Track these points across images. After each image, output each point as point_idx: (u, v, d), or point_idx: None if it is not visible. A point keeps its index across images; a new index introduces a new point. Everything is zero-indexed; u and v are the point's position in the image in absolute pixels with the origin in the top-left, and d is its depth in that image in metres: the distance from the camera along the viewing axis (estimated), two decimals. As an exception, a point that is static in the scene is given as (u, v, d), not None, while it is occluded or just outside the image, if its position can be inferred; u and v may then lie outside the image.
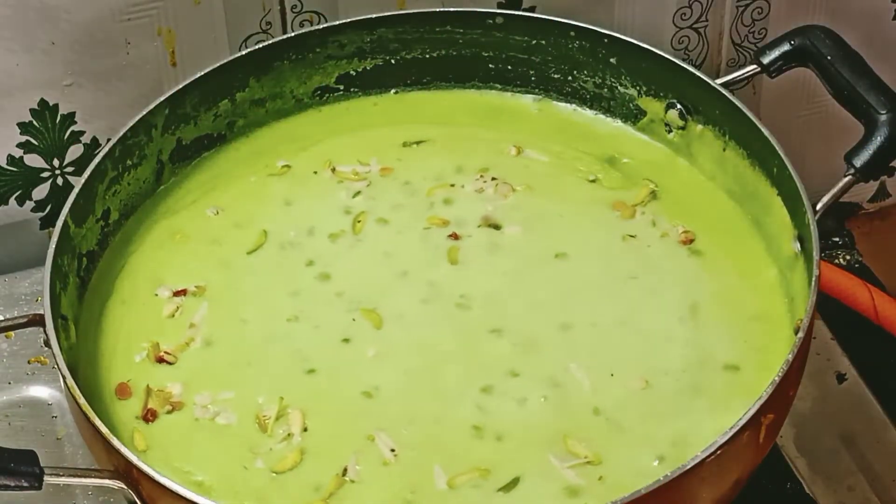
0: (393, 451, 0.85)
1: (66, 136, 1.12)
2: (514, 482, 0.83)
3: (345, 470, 0.85)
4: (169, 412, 0.89)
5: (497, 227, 0.99)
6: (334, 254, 0.97)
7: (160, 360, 0.91)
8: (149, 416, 0.88)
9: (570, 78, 1.06)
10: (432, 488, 0.83)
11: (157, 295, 0.95)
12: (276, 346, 0.92)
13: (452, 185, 1.02)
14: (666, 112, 1.02)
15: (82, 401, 0.83)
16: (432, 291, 0.95)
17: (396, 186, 1.02)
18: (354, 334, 0.92)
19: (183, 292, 0.95)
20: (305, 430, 0.87)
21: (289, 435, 0.87)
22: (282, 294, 0.95)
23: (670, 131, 1.03)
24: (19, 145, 1.11)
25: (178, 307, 0.94)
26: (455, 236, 0.98)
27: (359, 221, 0.99)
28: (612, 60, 1.03)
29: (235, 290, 0.96)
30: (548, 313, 0.93)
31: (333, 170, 1.03)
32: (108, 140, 0.98)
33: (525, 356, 0.90)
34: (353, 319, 0.93)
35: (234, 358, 0.91)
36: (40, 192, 1.14)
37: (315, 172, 1.03)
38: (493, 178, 1.02)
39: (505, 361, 0.90)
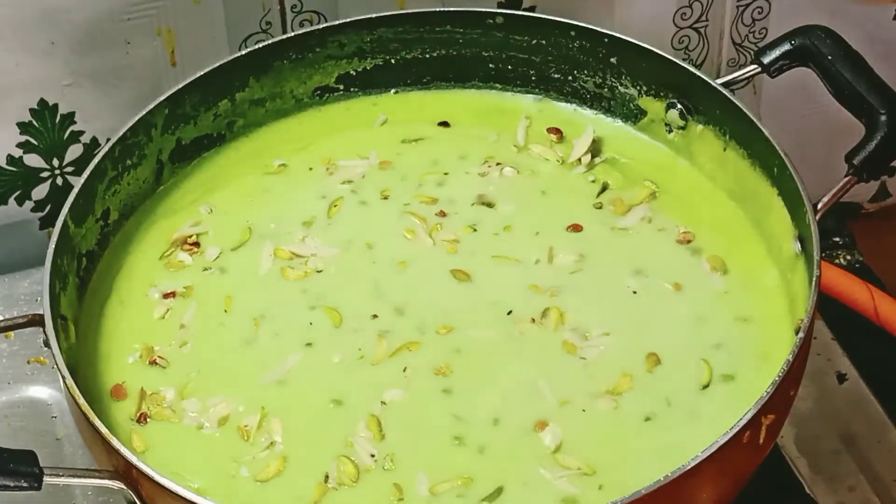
0: (373, 456, 0.85)
1: (65, 136, 1.12)
2: (498, 492, 0.83)
3: (326, 476, 0.85)
4: (161, 417, 0.88)
5: (490, 205, 0.99)
6: (308, 242, 0.98)
7: (153, 363, 0.91)
8: (142, 419, 0.88)
9: (570, 78, 1.06)
10: (415, 494, 0.83)
11: (148, 296, 0.95)
12: (247, 352, 0.92)
13: (446, 174, 1.02)
14: (666, 112, 1.02)
15: (82, 401, 0.83)
16: (394, 281, 0.95)
17: (392, 176, 1.02)
18: (316, 338, 0.92)
19: (172, 294, 0.95)
20: (285, 437, 0.87)
21: (271, 443, 0.87)
22: (254, 292, 0.95)
23: (671, 131, 1.03)
24: (19, 145, 1.11)
25: (168, 309, 0.94)
26: (442, 214, 0.98)
27: (334, 206, 1.00)
28: (612, 60, 1.03)
29: (218, 290, 0.95)
30: (529, 306, 0.93)
31: (329, 166, 1.03)
32: (108, 140, 0.98)
33: (503, 358, 0.90)
34: (311, 323, 0.92)
35: (216, 363, 0.91)
36: (40, 192, 1.14)
37: (310, 169, 1.03)
38: (499, 164, 1.02)
39: (478, 364, 0.90)
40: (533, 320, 0.92)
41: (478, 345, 0.91)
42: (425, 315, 0.92)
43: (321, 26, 1.06)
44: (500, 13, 1.05)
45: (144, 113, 0.99)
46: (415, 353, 0.90)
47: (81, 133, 1.12)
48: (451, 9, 1.05)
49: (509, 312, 0.92)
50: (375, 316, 0.93)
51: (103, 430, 0.82)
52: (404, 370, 0.89)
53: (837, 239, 1.23)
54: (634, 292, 0.94)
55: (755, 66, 0.99)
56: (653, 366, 0.89)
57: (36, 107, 1.09)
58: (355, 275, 0.95)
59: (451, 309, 0.93)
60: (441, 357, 0.90)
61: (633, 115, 1.05)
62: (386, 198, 1.00)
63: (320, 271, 0.96)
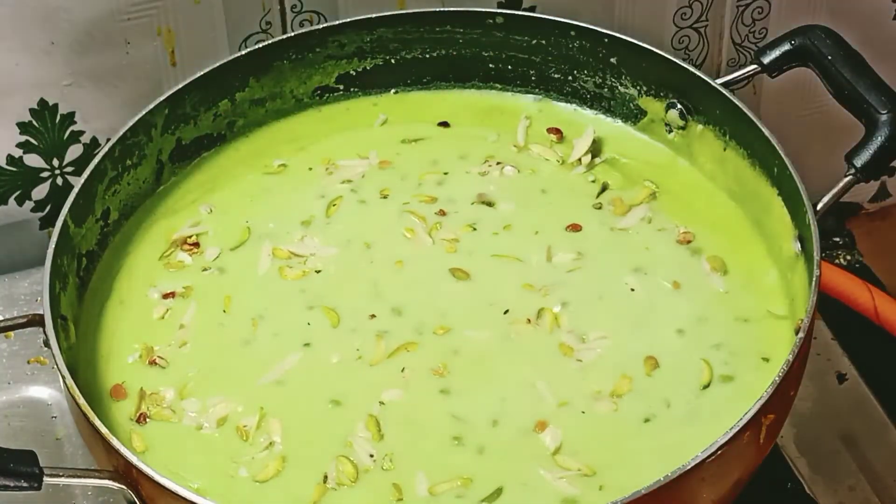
0: (372, 456, 0.85)
1: (65, 136, 1.11)
2: (498, 492, 0.83)
3: (325, 477, 0.85)
4: (160, 417, 0.88)
5: (490, 204, 0.99)
6: (307, 242, 0.98)
7: (152, 363, 0.91)
8: (141, 419, 0.88)
9: (570, 78, 1.06)
10: (414, 495, 0.83)
11: (147, 296, 0.95)
12: (246, 352, 0.92)
13: (446, 174, 1.01)
14: (666, 112, 1.02)
15: (82, 401, 0.83)
16: (393, 281, 0.95)
17: (391, 175, 1.02)
18: (314, 338, 0.92)
19: (172, 294, 0.95)
20: (284, 437, 0.87)
21: (270, 444, 0.87)
22: (253, 292, 0.95)
23: (671, 131, 1.03)
24: (19, 145, 1.11)
25: (167, 309, 0.94)
26: (442, 213, 0.99)
27: (333, 206, 0.99)
28: (612, 60, 1.03)
29: (218, 290, 0.95)
30: (527, 306, 0.93)
31: (329, 166, 1.03)
32: (108, 140, 0.98)
33: (501, 359, 0.90)
34: (309, 323, 0.92)
35: (215, 364, 0.91)
36: (40, 192, 1.14)
37: (310, 169, 1.03)
38: (499, 163, 1.02)
39: (475, 365, 0.90)
40: (529, 321, 0.92)
41: (475, 345, 0.91)
42: (423, 315, 0.92)
43: (321, 26, 1.06)
44: (500, 13, 1.05)
45: (144, 113, 0.99)
46: (413, 353, 0.90)
47: (81, 133, 1.12)
48: (451, 9, 1.06)
49: (506, 312, 0.92)
50: (373, 316, 0.93)
51: (103, 430, 0.82)
52: (402, 370, 0.89)
53: (837, 239, 1.23)
54: (633, 290, 0.93)
55: (755, 66, 0.99)
56: (652, 367, 0.89)
57: (36, 107, 1.09)
58: (354, 274, 0.95)
59: (449, 309, 0.93)
60: (439, 358, 0.90)
61: (633, 115, 1.05)
62: (385, 197, 1.01)
63: (319, 271, 0.96)
